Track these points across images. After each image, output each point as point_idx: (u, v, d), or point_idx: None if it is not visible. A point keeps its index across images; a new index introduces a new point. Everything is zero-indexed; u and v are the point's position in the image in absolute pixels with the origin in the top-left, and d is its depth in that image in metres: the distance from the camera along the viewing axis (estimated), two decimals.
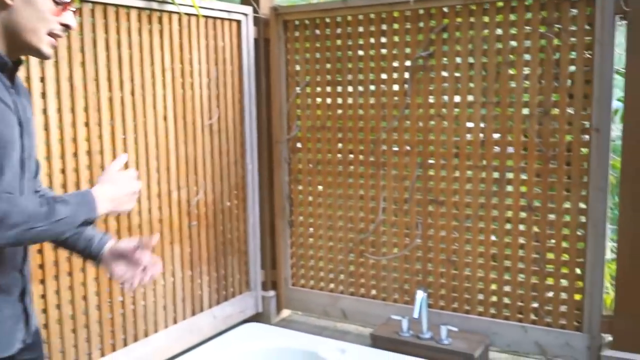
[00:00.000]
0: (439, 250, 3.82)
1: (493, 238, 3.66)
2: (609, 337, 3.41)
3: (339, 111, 4.07)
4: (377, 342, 3.70)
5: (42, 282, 2.97)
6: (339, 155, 4.09)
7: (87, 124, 3.12)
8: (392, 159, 3.90)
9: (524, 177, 3.53)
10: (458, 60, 3.64)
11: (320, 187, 4.20)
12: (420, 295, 3.47)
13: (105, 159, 3.21)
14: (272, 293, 4.41)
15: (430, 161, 3.78)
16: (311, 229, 4.27)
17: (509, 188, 3.58)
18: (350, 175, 4.07)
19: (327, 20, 4.03)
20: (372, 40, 3.90)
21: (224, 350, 3.61)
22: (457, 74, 3.66)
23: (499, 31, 3.51)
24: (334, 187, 4.13)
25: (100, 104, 3.18)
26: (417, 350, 3.52)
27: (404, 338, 3.62)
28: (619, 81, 3.41)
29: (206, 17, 3.81)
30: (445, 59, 3.68)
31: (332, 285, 4.25)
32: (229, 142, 4.03)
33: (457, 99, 3.67)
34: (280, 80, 4.24)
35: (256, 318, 4.29)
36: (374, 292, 4.09)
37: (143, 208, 3.45)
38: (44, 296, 2.98)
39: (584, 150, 3.36)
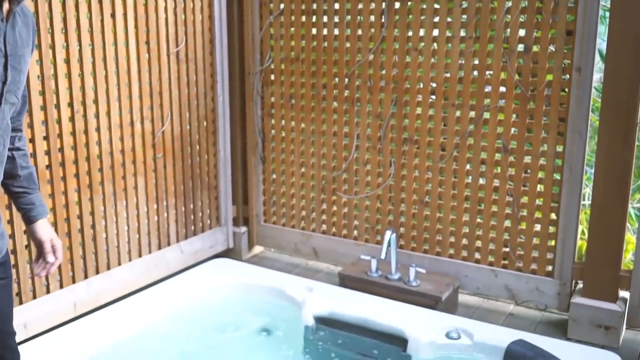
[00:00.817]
0: (412, 191, 3.71)
1: (467, 180, 3.54)
2: (579, 284, 3.35)
3: (314, 43, 3.88)
4: (345, 281, 3.64)
5: (8, 207, 2.89)
6: (313, 90, 3.93)
7: (38, 46, 2.94)
8: (367, 95, 3.74)
9: (501, 117, 3.39)
10: None
11: (293, 123, 4.05)
12: (388, 235, 3.39)
13: (60, 84, 3.05)
14: (243, 229, 4.33)
15: (406, 98, 3.63)
16: (284, 166, 4.15)
17: (485, 128, 3.44)
18: (324, 111, 3.92)
19: None
20: None
21: (190, 285, 3.56)
22: (436, 6, 3.46)
23: None
24: (307, 123, 3.99)
25: (53, 24, 2.99)
26: (384, 291, 3.47)
27: (372, 278, 3.56)
28: (605, 18, 3.23)
29: None
30: None
31: (303, 223, 4.17)
32: (197, 73, 3.85)
33: (435, 32, 3.48)
34: (253, 8, 4.02)
35: (227, 254, 4.23)
36: (345, 231, 4.01)
37: (103, 138, 3.31)
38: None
39: (564, 90, 3.21)
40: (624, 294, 3.24)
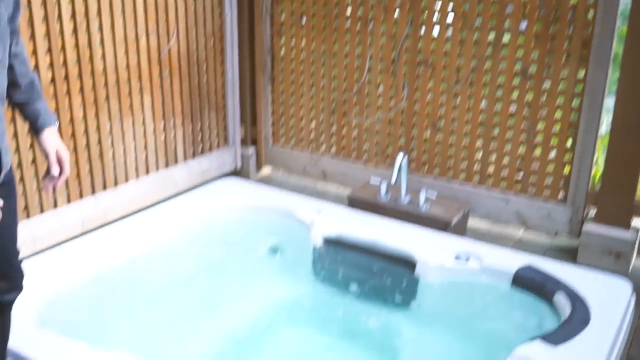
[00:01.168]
0: (425, 115, 3.63)
1: (483, 104, 3.45)
2: (592, 211, 3.31)
3: None
4: (354, 204, 3.61)
5: (12, 121, 2.82)
6: (325, 8, 3.77)
7: None
8: (381, 15, 3.59)
9: (521, 40, 3.26)
10: None
11: (303, 42, 3.92)
12: (400, 158, 3.32)
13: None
14: (251, 150, 4.27)
15: (422, 18, 3.49)
16: (293, 87, 4.05)
17: (504, 52, 3.32)
18: (336, 30, 3.78)
19: None
20: None
21: (198, 204, 3.52)
22: None
23: None
24: (318, 43, 3.86)
25: None
26: (393, 214, 3.43)
27: (381, 202, 3.52)
28: None
29: None
30: None
31: (313, 145, 4.11)
32: None
33: None
34: None
35: (235, 175, 4.18)
36: (355, 154, 3.95)
37: (107, 52, 3.20)
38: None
39: (590, 13, 3.07)
40: (636, 221, 3.20)
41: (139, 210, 3.48)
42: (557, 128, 3.29)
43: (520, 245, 3.39)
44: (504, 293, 2.81)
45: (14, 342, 2.10)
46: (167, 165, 3.71)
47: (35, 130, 1.89)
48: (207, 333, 2.76)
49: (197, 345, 2.69)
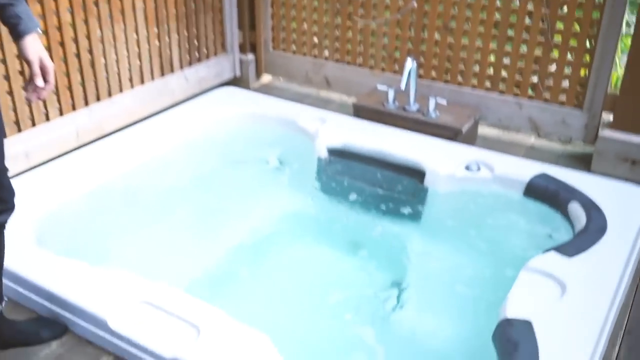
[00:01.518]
0: (436, 16, 3.40)
1: (498, 3, 3.22)
2: (608, 117, 3.16)
3: None
4: (360, 112, 3.46)
5: None
6: None
7: None
8: None
9: None
10: None
11: None
12: (409, 64, 3.14)
13: None
14: (250, 56, 4.06)
15: None
16: None
17: None
18: None
19: None
20: None
21: (197, 114, 3.39)
22: None
23: None
24: None
25: None
26: (402, 122, 3.29)
27: (388, 109, 3.37)
28: None
29: None
30: None
31: (315, 51, 3.90)
32: None
33: None
34: None
35: (234, 83, 4.01)
36: (360, 59, 3.75)
37: None
38: None
39: None
40: None
41: (136, 122, 3.34)
42: (577, 27, 3.08)
43: (532, 152, 3.26)
44: (516, 203, 2.73)
45: (11, 263, 2.03)
46: (162, 74, 3.53)
47: (16, 36, 1.74)
48: (209, 246, 2.70)
49: (199, 258, 2.63)
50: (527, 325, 1.88)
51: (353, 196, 3.04)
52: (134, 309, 1.94)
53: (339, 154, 3.09)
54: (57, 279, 2.07)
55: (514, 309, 1.95)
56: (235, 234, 2.84)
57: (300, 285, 2.58)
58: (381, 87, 3.41)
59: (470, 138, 3.28)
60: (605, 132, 3.05)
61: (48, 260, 2.16)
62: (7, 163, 1.77)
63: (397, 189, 2.97)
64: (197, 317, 1.89)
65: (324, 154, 3.08)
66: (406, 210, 2.93)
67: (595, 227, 2.40)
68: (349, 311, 2.44)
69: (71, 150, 3.01)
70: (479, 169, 2.84)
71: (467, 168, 2.85)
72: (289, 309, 2.41)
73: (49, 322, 2.02)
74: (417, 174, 2.90)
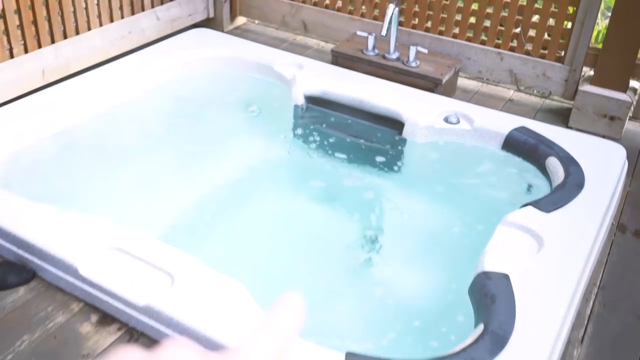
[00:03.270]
0: None
1: None
2: (589, 72, 3.14)
3: None
4: (338, 59, 3.37)
5: None
6: None
7: None
8: None
9: None
10: None
11: None
12: (391, 9, 3.04)
13: None
14: None
15: None
16: None
17: None
18: None
19: None
20: None
21: (169, 55, 3.26)
22: None
23: None
24: None
25: None
26: (381, 71, 3.22)
27: (368, 57, 3.29)
28: None
29: None
30: None
31: None
32: None
33: None
34: None
35: (207, 24, 3.85)
36: (339, 3, 3.64)
37: None
38: None
39: None
40: (634, 84, 3.05)
41: (105, 62, 3.20)
42: None
43: (510, 105, 3.23)
44: (494, 156, 2.70)
45: None
46: (132, 12, 3.37)
47: None
48: (181, 193, 2.62)
49: (171, 205, 2.56)
50: (504, 279, 1.88)
51: (329, 145, 2.98)
52: (105, 255, 1.88)
53: (316, 102, 3.01)
54: (24, 223, 1.99)
55: (492, 263, 1.94)
56: (209, 181, 2.76)
57: (275, 234, 2.54)
58: (361, 33, 3.32)
59: (449, 89, 3.24)
60: (586, 87, 3.03)
61: (14, 204, 2.07)
62: None
63: (374, 139, 2.92)
64: (170, 265, 1.84)
65: (301, 101, 3.00)
66: (383, 160, 2.88)
67: (573, 182, 2.39)
68: (323, 262, 2.41)
69: (37, 90, 2.87)
70: (458, 121, 2.80)
71: (446, 120, 2.80)
72: (263, 258, 2.37)
73: (17, 268, 1.95)
74: (395, 124, 2.85)
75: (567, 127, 3.06)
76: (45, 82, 2.94)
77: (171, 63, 3.19)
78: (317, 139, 2.99)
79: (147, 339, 1.73)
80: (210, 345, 1.64)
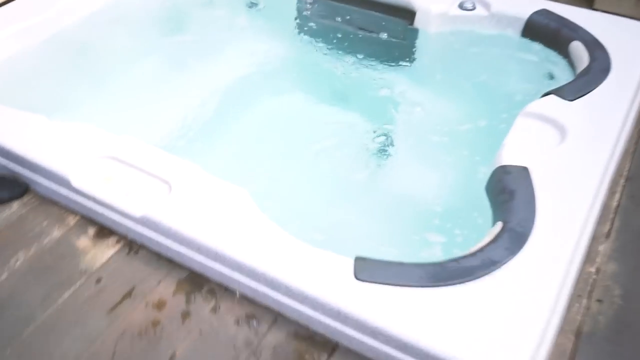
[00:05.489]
0: None
1: None
2: None
3: None
4: None
5: None
6: None
7: None
8: None
9: None
10: None
11: None
12: None
13: None
14: None
15: None
16: None
17: None
18: None
19: None
20: None
21: None
22: None
23: None
24: None
25: None
26: None
27: None
28: None
29: None
30: None
31: None
32: None
33: None
34: None
35: None
36: None
37: None
38: None
39: None
40: None
41: None
42: None
43: None
44: (514, 43, 2.53)
45: None
46: None
47: None
48: (181, 97, 2.50)
49: (170, 110, 2.44)
50: (524, 172, 1.76)
51: (337, 41, 2.81)
52: (99, 164, 1.78)
53: None
54: (13, 135, 1.88)
55: (510, 156, 1.83)
56: (210, 82, 2.63)
57: (282, 136, 2.43)
58: None
59: None
60: None
61: (2, 114, 1.96)
62: None
63: (384, 31, 2.75)
64: (168, 172, 1.74)
65: None
66: (394, 54, 2.73)
67: (598, 67, 2.23)
68: (334, 163, 2.30)
69: None
70: (474, 7, 2.62)
71: (461, 6, 2.62)
72: (270, 162, 2.28)
73: (8, 182, 1.86)
74: (406, 14, 2.67)
75: (592, 8, 2.83)
76: None
77: None
78: (324, 32, 2.83)
79: (147, 251, 1.66)
80: (212, 255, 1.56)
